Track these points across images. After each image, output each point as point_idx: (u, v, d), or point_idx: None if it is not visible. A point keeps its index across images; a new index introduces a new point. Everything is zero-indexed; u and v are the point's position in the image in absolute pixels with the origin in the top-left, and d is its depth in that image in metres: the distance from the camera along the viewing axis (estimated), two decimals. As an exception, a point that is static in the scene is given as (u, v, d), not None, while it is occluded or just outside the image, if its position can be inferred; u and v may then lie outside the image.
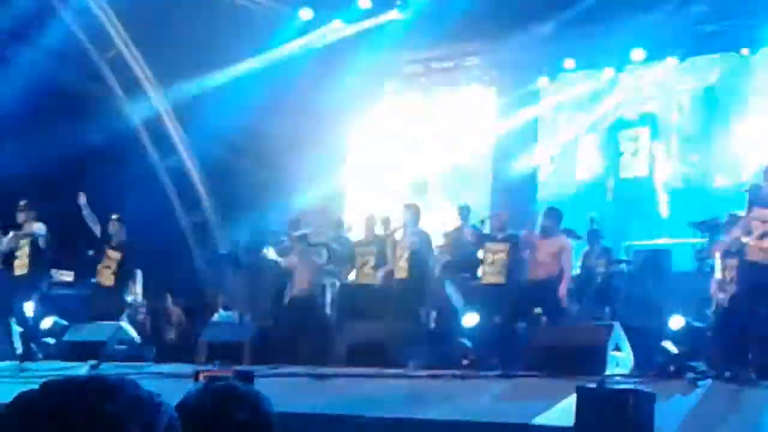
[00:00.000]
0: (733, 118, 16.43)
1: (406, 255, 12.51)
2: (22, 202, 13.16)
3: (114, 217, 13.69)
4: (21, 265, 13.04)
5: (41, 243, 13.03)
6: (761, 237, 9.48)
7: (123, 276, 13.55)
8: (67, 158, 15.24)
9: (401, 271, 12.55)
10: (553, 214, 12.01)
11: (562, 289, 11.42)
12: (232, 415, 2.11)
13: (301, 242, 13.51)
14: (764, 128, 15.79)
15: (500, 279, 12.19)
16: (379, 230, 14.02)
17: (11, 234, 13.08)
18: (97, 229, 13.44)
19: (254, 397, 2.16)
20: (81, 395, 1.43)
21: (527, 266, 12.07)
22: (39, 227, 13.03)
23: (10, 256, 13.14)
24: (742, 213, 9.90)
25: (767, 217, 9.51)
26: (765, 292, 9.47)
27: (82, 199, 13.11)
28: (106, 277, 13.45)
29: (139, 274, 14.29)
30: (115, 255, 13.47)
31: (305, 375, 10.33)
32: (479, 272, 12.58)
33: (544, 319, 11.52)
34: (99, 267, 13.53)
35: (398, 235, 12.81)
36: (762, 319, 9.49)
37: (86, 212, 13.18)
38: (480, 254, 12.60)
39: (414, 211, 12.90)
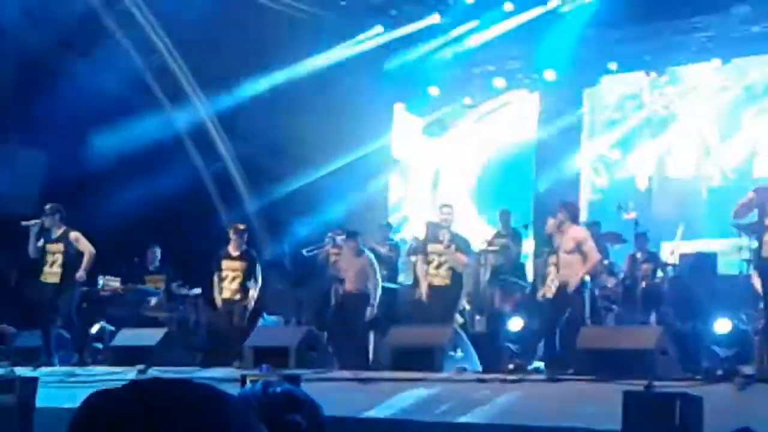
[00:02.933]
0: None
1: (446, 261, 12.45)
2: (47, 206, 12.88)
3: (240, 226, 13.41)
4: (53, 273, 12.83)
5: (73, 247, 12.80)
6: None
7: (249, 286, 13.07)
8: (114, 164, 15.42)
9: (440, 278, 12.50)
10: (565, 208, 11.77)
11: (581, 270, 11.15)
12: (290, 421, 2.13)
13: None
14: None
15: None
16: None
17: (41, 240, 12.87)
18: None
19: (311, 403, 2.18)
20: (205, 405, 1.34)
21: None
22: (75, 236, 12.83)
23: (40, 263, 12.92)
24: None
25: None
26: None
27: None
28: (233, 291, 13.01)
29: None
30: (239, 265, 13.04)
31: (351, 379, 10.36)
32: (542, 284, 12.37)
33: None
34: (224, 284, 12.99)
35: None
36: None
37: None
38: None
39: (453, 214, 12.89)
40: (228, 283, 13.05)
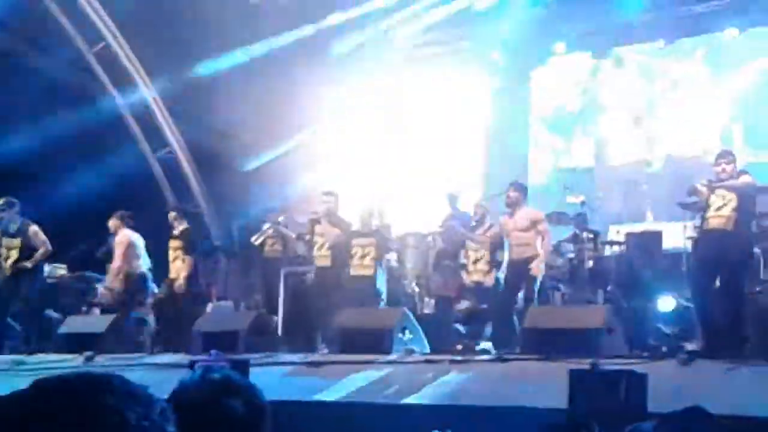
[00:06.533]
0: (717, 95, 16.57)
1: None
2: (1, 201, 12.79)
3: (171, 213, 13.60)
4: (13, 264, 12.76)
5: (32, 241, 12.77)
6: (718, 209, 9.70)
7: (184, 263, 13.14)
8: (58, 150, 15.27)
9: (325, 259, 12.66)
10: (518, 187, 11.96)
11: (538, 263, 11.36)
12: (228, 406, 2.15)
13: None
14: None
15: (484, 278, 12.22)
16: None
17: None
18: None
19: (249, 388, 2.20)
20: (73, 391, 1.45)
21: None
22: (34, 231, 12.75)
23: None
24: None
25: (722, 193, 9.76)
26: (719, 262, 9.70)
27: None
28: (175, 270, 13.12)
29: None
30: (178, 244, 13.17)
31: (300, 363, 10.38)
32: (464, 270, 12.48)
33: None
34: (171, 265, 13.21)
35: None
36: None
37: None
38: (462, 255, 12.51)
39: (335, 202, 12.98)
40: (171, 263, 13.21)
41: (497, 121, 18.37)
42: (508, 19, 17.33)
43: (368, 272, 12.33)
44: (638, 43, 17.14)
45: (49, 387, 1.47)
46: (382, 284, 12.39)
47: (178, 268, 13.07)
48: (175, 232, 13.30)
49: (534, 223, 11.50)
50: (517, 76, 18.27)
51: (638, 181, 16.81)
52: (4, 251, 12.77)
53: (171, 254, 13.19)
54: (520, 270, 11.34)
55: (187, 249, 13.17)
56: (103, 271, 14.44)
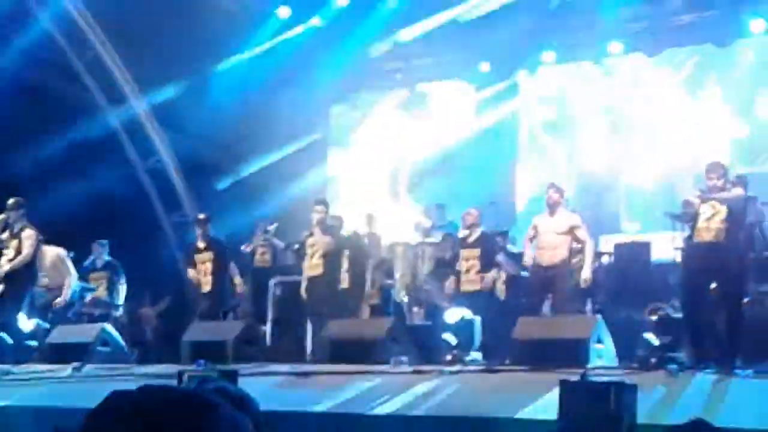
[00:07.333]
0: (703, 107, 16.62)
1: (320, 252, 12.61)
2: (10, 201, 12.62)
3: (200, 216, 13.70)
4: (3, 267, 12.55)
5: (29, 249, 12.52)
6: (708, 219, 9.72)
7: (221, 276, 13.31)
8: (46, 160, 15.21)
9: (317, 267, 12.63)
10: (558, 189, 11.95)
11: (587, 271, 11.43)
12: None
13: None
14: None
15: (476, 286, 12.24)
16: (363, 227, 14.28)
17: (6, 233, 12.57)
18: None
19: (244, 399, 2.18)
20: (179, 415, 1.41)
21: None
22: (27, 235, 12.56)
23: None
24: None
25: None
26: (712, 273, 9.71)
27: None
28: (205, 282, 13.25)
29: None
30: (207, 256, 13.27)
31: (289, 373, 10.35)
32: (455, 280, 12.53)
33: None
34: (192, 275, 13.39)
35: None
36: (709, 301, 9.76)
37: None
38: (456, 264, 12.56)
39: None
40: (203, 276, 13.23)
41: (484, 131, 18.36)
42: (495, 30, 17.31)
43: (344, 285, 12.63)
44: (629, 52, 17.15)
45: (152, 404, 1.43)
46: (356, 298, 12.57)
47: (207, 281, 13.20)
48: (201, 244, 13.39)
49: (572, 229, 11.53)
50: (505, 87, 18.26)
51: (630, 191, 16.87)
52: (5, 251, 12.67)
53: (203, 267, 13.27)
54: (547, 277, 11.38)
55: (222, 260, 13.31)
56: (89, 281, 14.43)
